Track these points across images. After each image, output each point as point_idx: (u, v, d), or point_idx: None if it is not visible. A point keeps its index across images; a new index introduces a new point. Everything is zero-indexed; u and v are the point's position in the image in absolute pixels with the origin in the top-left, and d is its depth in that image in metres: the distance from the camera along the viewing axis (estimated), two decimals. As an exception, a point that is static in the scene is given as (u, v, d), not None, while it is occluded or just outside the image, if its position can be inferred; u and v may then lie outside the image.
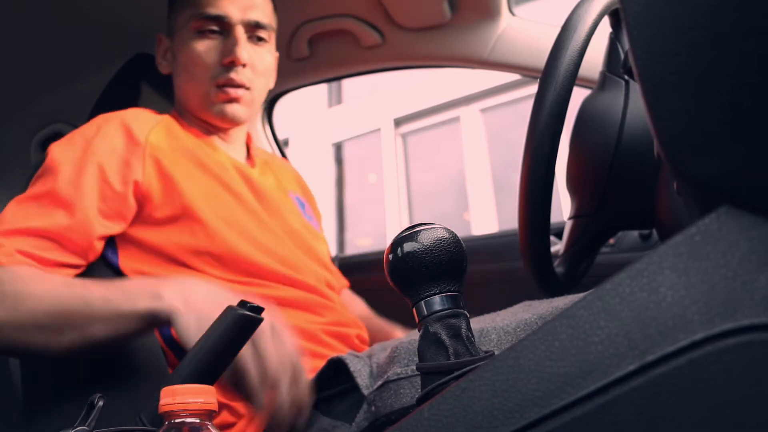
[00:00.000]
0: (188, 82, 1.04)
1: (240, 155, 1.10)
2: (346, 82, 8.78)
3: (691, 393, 0.28)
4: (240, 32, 1.01)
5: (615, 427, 0.29)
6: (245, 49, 1.01)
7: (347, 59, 1.44)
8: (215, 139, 1.07)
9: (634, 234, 1.19)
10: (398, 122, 8.69)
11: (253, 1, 1.03)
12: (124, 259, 0.92)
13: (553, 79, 0.68)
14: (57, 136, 1.49)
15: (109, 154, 0.91)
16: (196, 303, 0.72)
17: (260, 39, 1.04)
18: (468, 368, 0.44)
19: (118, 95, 1.29)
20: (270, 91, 1.60)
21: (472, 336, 0.47)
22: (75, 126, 1.44)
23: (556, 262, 0.84)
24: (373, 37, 1.35)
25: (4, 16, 1.22)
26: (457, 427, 0.33)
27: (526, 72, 1.28)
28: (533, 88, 0.70)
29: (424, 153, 8.51)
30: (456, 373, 0.44)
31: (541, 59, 1.09)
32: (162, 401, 0.47)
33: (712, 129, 0.30)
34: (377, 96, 8.80)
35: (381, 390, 0.68)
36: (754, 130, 0.29)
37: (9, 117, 1.50)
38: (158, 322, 0.73)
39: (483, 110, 7.93)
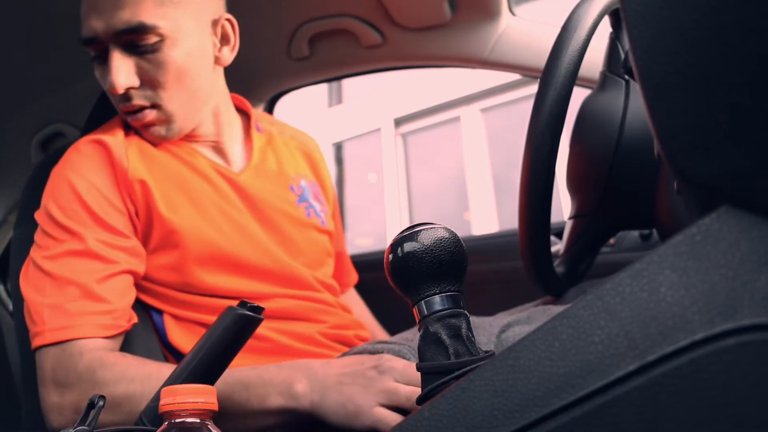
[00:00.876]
0: None
1: (230, 146, 1.01)
2: (346, 82, 8.77)
3: (691, 393, 0.28)
4: (113, 53, 0.86)
5: (615, 427, 0.29)
6: (120, 73, 0.85)
7: (347, 59, 1.44)
8: (192, 143, 0.98)
9: (634, 234, 1.19)
10: (398, 122, 8.69)
11: (120, 1, 0.84)
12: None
13: (553, 79, 0.68)
14: (57, 136, 1.49)
15: (103, 202, 0.87)
16: None
17: (145, 47, 0.86)
18: (468, 368, 0.44)
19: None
20: (270, 91, 1.60)
21: (473, 336, 0.47)
22: (75, 126, 1.45)
23: (556, 262, 0.84)
24: (374, 37, 1.35)
25: (4, 16, 1.22)
26: (457, 427, 0.33)
27: (526, 72, 1.28)
28: (533, 88, 0.70)
29: (424, 153, 8.52)
30: (456, 373, 0.44)
31: (541, 59, 1.09)
32: (162, 401, 0.47)
33: (712, 129, 0.30)
34: (377, 96, 8.80)
35: None
36: (754, 130, 0.29)
37: (9, 117, 1.50)
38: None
39: (483, 110, 7.94)
